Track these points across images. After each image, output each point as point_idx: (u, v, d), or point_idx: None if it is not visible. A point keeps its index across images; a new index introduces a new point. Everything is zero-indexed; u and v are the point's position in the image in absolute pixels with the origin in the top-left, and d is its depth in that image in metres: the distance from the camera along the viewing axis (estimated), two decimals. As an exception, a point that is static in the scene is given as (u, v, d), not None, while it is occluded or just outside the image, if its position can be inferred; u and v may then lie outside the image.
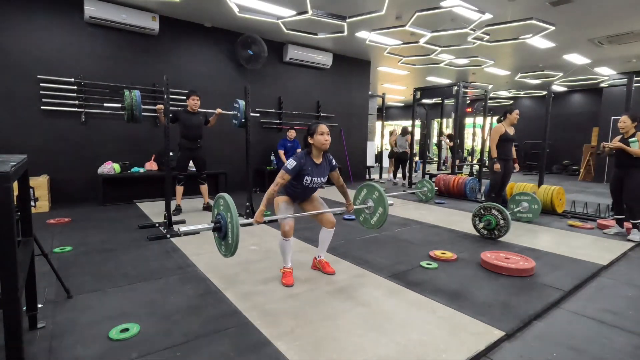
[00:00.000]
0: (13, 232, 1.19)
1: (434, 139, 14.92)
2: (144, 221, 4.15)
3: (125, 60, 5.36)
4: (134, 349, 1.69)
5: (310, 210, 2.60)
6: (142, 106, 3.90)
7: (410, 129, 7.85)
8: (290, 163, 2.37)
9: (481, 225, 3.65)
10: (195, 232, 2.13)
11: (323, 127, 2.43)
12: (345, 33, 5.15)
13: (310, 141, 2.45)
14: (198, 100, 4.53)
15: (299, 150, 6.72)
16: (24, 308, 1.80)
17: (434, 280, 2.60)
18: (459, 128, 7.56)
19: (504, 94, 12.39)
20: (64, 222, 4.05)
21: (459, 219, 4.63)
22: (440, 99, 8.56)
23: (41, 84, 4.73)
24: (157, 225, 3.97)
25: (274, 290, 2.38)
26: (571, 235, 3.98)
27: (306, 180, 2.44)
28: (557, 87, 11.28)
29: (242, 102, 4.42)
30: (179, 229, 1.92)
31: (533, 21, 4.17)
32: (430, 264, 2.89)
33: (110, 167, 5.11)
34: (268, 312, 2.07)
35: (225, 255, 2.12)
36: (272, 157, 6.87)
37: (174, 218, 4.09)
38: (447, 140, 8.67)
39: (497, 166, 4.33)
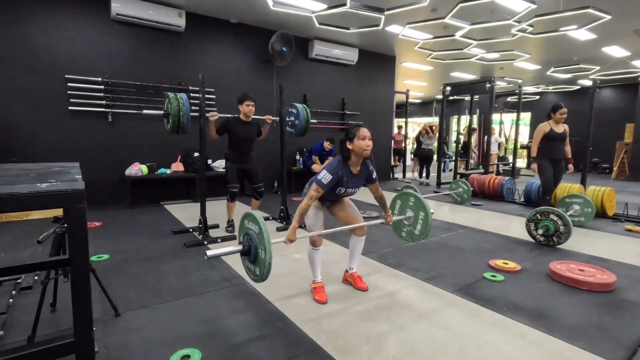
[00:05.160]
0: (87, 258, 1.01)
1: (453, 136, 14.54)
2: (175, 225, 4.00)
3: (151, 58, 5.21)
4: (200, 380, 1.51)
5: (340, 214, 2.42)
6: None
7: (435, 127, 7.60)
8: (325, 177, 2.11)
9: (540, 231, 3.38)
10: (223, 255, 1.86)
11: (365, 131, 2.14)
12: (381, 26, 4.90)
13: (349, 146, 2.14)
14: (253, 106, 3.67)
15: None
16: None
17: (505, 295, 2.37)
18: (487, 125, 7.26)
19: (531, 89, 11.95)
20: (95, 226, 3.92)
21: (504, 223, 4.36)
22: (468, 95, 8.21)
23: (69, 84, 4.60)
24: (190, 230, 3.82)
25: (336, 307, 2.18)
26: (635, 241, 3.68)
27: (339, 190, 2.24)
28: (588, 82, 10.80)
29: (300, 107, 3.90)
30: (205, 253, 1.74)
31: (589, 10, 3.87)
32: (495, 276, 2.65)
33: (137, 169, 4.97)
34: (336, 335, 1.87)
35: (255, 280, 1.87)
36: (298, 157, 6.66)
37: (225, 233, 3.75)
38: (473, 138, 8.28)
39: (534, 166, 4.18)
